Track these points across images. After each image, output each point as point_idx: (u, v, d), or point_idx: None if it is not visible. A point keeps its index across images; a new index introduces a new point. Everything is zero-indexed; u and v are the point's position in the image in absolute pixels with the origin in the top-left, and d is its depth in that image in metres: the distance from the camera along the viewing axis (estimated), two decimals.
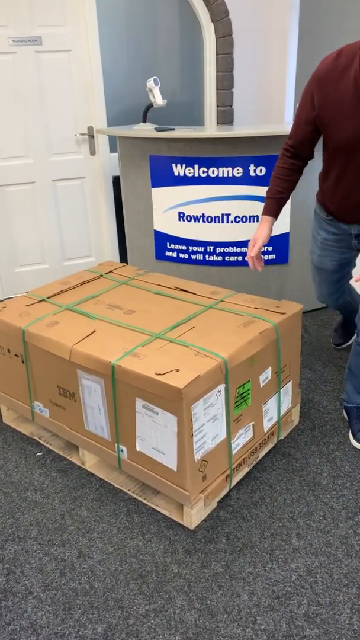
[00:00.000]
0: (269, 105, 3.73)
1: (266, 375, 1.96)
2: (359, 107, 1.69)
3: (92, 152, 3.58)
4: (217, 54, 3.55)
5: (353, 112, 1.70)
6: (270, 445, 2.11)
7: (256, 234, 2.03)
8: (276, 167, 2.01)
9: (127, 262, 3.54)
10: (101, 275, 2.48)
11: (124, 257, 3.82)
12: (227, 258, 3.06)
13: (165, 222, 3.13)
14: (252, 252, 2.01)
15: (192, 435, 1.67)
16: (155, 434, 1.74)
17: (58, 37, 3.25)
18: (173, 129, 2.92)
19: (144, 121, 3.12)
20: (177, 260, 3.18)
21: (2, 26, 3.14)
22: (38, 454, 2.18)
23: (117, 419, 1.84)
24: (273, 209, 2.03)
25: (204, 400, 1.68)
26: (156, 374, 1.64)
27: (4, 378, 2.25)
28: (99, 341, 1.86)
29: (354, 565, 1.63)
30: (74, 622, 1.50)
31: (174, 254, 3.18)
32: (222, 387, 1.75)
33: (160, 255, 3.24)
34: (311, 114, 1.82)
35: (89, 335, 1.91)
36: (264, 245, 2.18)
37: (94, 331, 1.93)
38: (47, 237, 3.69)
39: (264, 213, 2.04)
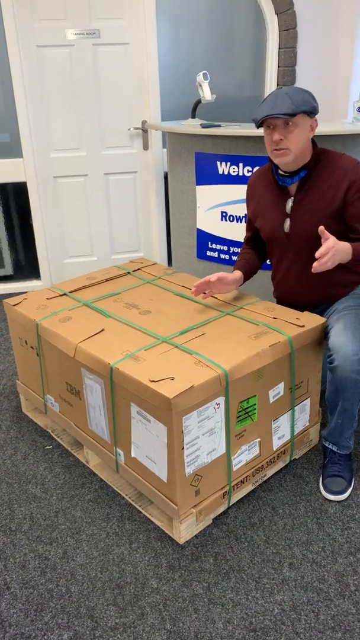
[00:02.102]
0: (333, 103, 3.54)
1: (278, 391, 1.84)
2: (275, 205, 1.99)
3: (145, 147, 3.55)
4: (279, 48, 3.40)
5: (272, 210, 2.01)
6: (280, 465, 1.99)
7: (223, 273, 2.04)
8: (240, 252, 2.22)
9: (172, 259, 3.49)
10: (128, 273, 2.44)
11: (171, 254, 3.77)
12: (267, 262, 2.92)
13: (208, 221, 3.05)
14: (208, 277, 1.98)
15: (183, 448, 1.59)
16: (148, 442, 1.68)
17: (116, 30, 3.24)
18: (219, 126, 2.83)
19: (193, 117, 3.05)
20: (218, 260, 3.09)
21: (61, 19, 3.17)
22: (47, 447, 2.18)
23: (115, 422, 1.80)
24: (243, 268, 2.11)
25: (199, 412, 1.60)
26: (150, 380, 1.58)
27: (23, 369, 2.28)
28: (105, 341, 1.83)
29: (344, 606, 1.49)
30: (42, 624, 1.48)
31: (215, 254, 3.09)
32: (221, 400, 1.66)
33: (201, 254, 3.16)
34: (248, 216, 2.15)
35: (97, 333, 1.88)
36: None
37: (102, 330, 1.90)
38: (97, 229, 3.71)
39: (235, 267, 2.12)
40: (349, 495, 1.87)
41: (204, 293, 2.06)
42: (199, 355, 1.69)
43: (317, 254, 1.66)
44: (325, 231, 1.69)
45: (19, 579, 1.62)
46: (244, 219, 2.90)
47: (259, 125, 1.81)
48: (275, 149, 1.82)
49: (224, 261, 3.06)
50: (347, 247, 1.73)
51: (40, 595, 1.57)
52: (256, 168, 2.77)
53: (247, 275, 2.13)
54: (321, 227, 1.69)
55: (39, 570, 1.64)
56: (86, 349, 1.79)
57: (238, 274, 2.07)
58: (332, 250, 1.66)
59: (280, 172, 1.92)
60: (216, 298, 2.12)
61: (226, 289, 2.05)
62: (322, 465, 1.97)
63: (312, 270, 1.68)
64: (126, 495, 1.91)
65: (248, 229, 2.23)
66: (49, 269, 3.74)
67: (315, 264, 1.67)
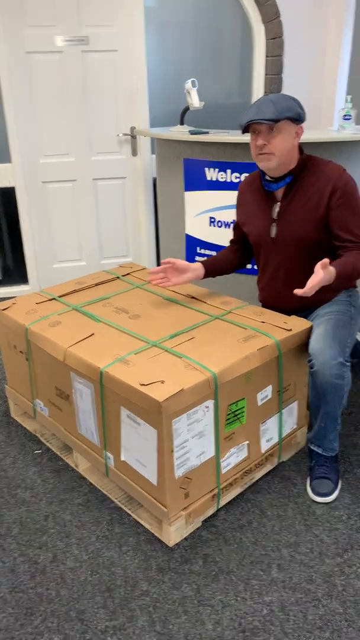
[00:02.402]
0: (319, 111, 3.59)
1: (266, 394, 1.87)
2: (261, 211, 2.03)
3: (134, 153, 3.58)
4: (266, 56, 3.45)
5: (259, 215, 2.05)
6: (269, 467, 2.01)
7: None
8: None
9: (159, 264, 3.51)
10: (118, 277, 2.46)
11: (159, 259, 3.79)
12: (255, 267, 2.95)
13: (197, 227, 3.08)
14: (166, 260, 2.04)
15: (172, 451, 1.61)
16: (138, 445, 1.69)
17: (105, 37, 3.27)
18: (207, 132, 2.86)
19: (182, 123, 3.08)
20: None
21: (50, 26, 3.19)
22: (37, 451, 2.19)
23: (105, 425, 1.81)
24: (207, 262, 2.16)
25: (188, 415, 1.62)
26: (140, 384, 1.60)
27: (12, 374, 2.28)
28: (95, 345, 1.84)
29: (332, 606, 1.51)
30: (32, 628, 1.48)
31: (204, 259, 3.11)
32: (210, 403, 1.67)
33: (190, 259, 3.18)
34: (237, 220, 2.19)
35: (87, 338, 1.89)
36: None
37: (92, 334, 1.91)
38: (86, 234, 3.72)
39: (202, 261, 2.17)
40: (336, 497, 1.89)
41: (160, 280, 2.08)
42: (189, 358, 1.71)
43: (307, 285, 1.69)
44: (318, 273, 1.69)
45: (8, 583, 1.62)
46: (232, 224, 2.93)
47: (244, 131, 1.84)
48: (259, 154, 1.86)
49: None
50: (332, 272, 1.75)
51: (30, 599, 1.57)
52: (245, 174, 2.80)
53: (211, 270, 2.16)
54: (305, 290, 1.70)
55: (28, 574, 1.65)
56: (76, 353, 1.80)
57: (197, 264, 2.11)
58: (318, 285, 1.69)
59: (266, 177, 1.96)
60: (205, 302, 2.14)
61: (183, 277, 2.08)
62: (309, 467, 1.99)
63: (294, 292, 1.71)
64: (116, 498, 1.91)
65: (234, 232, 2.27)
66: (37, 273, 3.74)
67: (298, 290, 1.70)
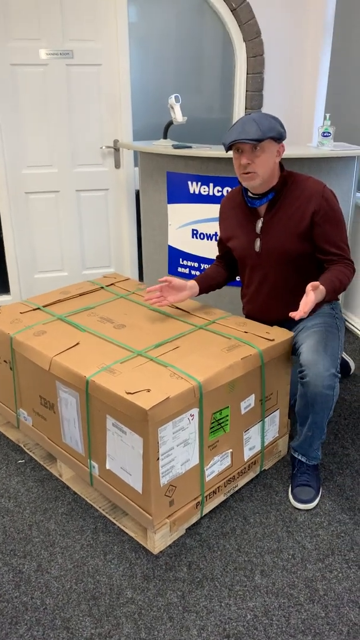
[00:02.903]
0: (298, 128, 3.68)
1: (249, 403, 1.90)
2: (245, 226, 2.08)
3: (117, 165, 3.61)
4: (247, 74, 3.53)
5: (243, 230, 2.10)
6: (251, 475, 2.05)
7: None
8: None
9: (143, 275, 3.55)
10: (102, 287, 2.48)
11: (142, 270, 3.82)
12: (237, 278, 3.01)
13: (179, 238, 3.12)
14: (163, 279, 2.06)
15: (158, 459, 1.63)
16: (123, 454, 1.71)
17: (89, 52, 3.32)
18: (190, 147, 2.92)
19: (165, 137, 3.13)
20: (189, 276, 3.15)
21: (35, 39, 3.22)
22: (20, 461, 2.18)
23: (90, 434, 1.82)
24: (200, 279, 2.19)
25: (174, 423, 1.64)
26: (126, 392, 1.62)
27: None
28: (80, 354, 1.86)
29: (314, 611, 1.55)
30: (17, 637, 1.48)
31: (186, 270, 3.16)
32: (195, 411, 1.70)
33: (172, 270, 3.22)
34: (221, 236, 2.23)
35: (72, 347, 1.91)
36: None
37: (77, 343, 1.93)
38: (68, 245, 3.74)
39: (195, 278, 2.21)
40: (317, 503, 1.93)
41: (157, 299, 2.10)
42: (174, 367, 1.74)
43: (302, 308, 1.72)
44: (309, 295, 1.73)
45: None
46: (214, 236, 2.98)
47: (228, 149, 1.89)
48: (244, 173, 1.91)
49: (194, 277, 3.12)
50: (322, 291, 1.80)
51: (15, 608, 1.57)
52: (227, 188, 2.86)
53: (205, 286, 2.20)
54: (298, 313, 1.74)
55: (12, 584, 1.64)
56: (61, 362, 1.82)
57: (192, 282, 2.16)
58: (312, 305, 1.73)
59: (249, 194, 2.01)
60: (188, 312, 2.18)
61: (179, 296, 2.11)
62: (291, 475, 2.03)
63: (290, 315, 1.75)
64: (100, 507, 1.92)
65: (219, 248, 2.32)
66: (18, 283, 3.74)
67: (294, 313, 1.73)
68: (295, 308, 2.10)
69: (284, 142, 1.94)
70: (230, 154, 2.57)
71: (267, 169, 1.90)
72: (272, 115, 1.89)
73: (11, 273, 3.70)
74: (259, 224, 2.03)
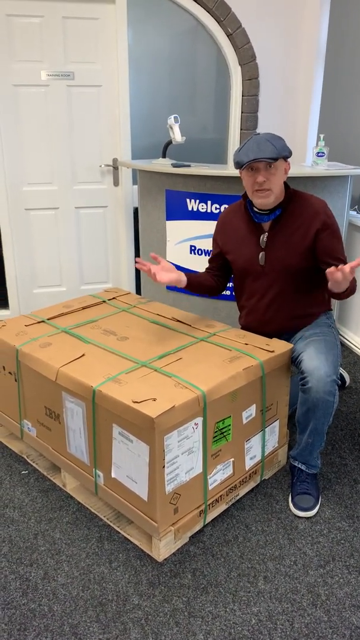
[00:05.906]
0: (292, 148, 3.78)
1: (250, 413, 1.95)
2: (249, 240, 2.14)
3: (116, 183, 3.69)
4: (242, 95, 3.65)
5: (246, 244, 2.16)
6: (252, 484, 2.09)
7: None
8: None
9: (141, 290, 3.61)
10: (104, 301, 2.54)
11: (139, 285, 3.88)
12: (233, 293, 3.08)
13: (178, 254, 3.19)
14: (154, 255, 2.10)
15: (164, 467, 1.67)
16: (129, 462, 1.75)
17: (90, 73, 3.41)
18: (189, 166, 3.00)
19: (164, 156, 3.22)
20: (187, 292, 3.21)
21: (37, 61, 3.31)
22: (23, 472, 2.21)
23: (96, 443, 1.86)
24: (190, 276, 2.23)
25: (179, 431, 1.69)
26: (133, 401, 1.67)
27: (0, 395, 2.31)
28: (86, 365, 1.90)
29: (317, 615, 1.58)
30: None
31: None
32: (199, 420, 1.75)
33: (170, 286, 3.28)
34: (216, 250, 2.29)
35: (78, 358, 1.95)
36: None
37: (83, 355, 1.98)
38: (67, 261, 3.80)
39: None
40: (317, 512, 1.98)
41: (147, 270, 2.09)
42: (178, 377, 1.79)
43: (346, 268, 1.74)
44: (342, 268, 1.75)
45: (0, 600, 1.63)
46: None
47: (242, 168, 1.96)
48: (258, 190, 1.98)
49: (192, 292, 3.19)
50: (349, 277, 1.80)
51: (23, 615, 1.59)
52: (224, 205, 2.94)
53: (193, 282, 2.23)
54: (330, 269, 1.76)
55: (20, 591, 1.66)
56: (68, 372, 1.86)
57: (182, 273, 2.18)
58: (347, 274, 1.74)
59: (255, 209, 2.08)
60: (189, 325, 2.23)
61: (166, 276, 2.09)
62: (291, 484, 2.07)
63: (331, 270, 1.74)
64: (104, 516, 1.95)
65: (212, 260, 2.34)
66: (17, 298, 3.78)
67: (333, 270, 1.74)
68: (293, 322, 2.16)
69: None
70: (225, 172, 2.67)
71: (279, 186, 1.99)
72: (279, 136, 1.98)
73: (10, 288, 3.75)
74: (264, 238, 2.10)
